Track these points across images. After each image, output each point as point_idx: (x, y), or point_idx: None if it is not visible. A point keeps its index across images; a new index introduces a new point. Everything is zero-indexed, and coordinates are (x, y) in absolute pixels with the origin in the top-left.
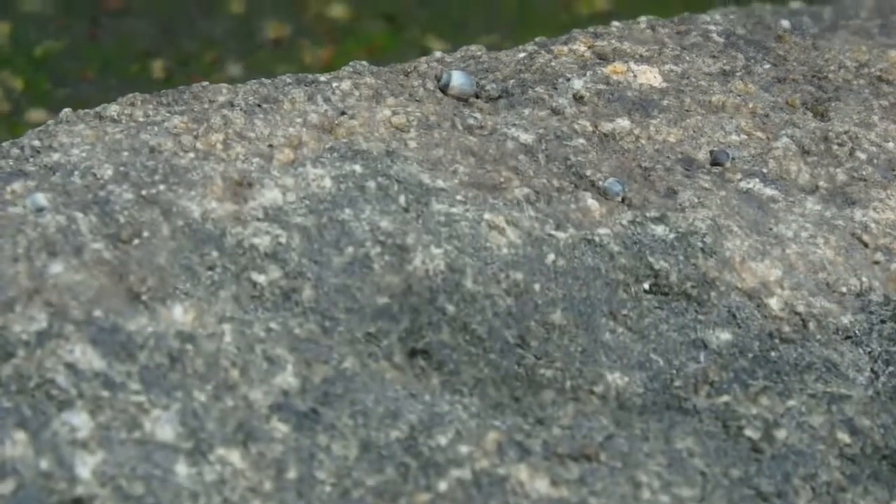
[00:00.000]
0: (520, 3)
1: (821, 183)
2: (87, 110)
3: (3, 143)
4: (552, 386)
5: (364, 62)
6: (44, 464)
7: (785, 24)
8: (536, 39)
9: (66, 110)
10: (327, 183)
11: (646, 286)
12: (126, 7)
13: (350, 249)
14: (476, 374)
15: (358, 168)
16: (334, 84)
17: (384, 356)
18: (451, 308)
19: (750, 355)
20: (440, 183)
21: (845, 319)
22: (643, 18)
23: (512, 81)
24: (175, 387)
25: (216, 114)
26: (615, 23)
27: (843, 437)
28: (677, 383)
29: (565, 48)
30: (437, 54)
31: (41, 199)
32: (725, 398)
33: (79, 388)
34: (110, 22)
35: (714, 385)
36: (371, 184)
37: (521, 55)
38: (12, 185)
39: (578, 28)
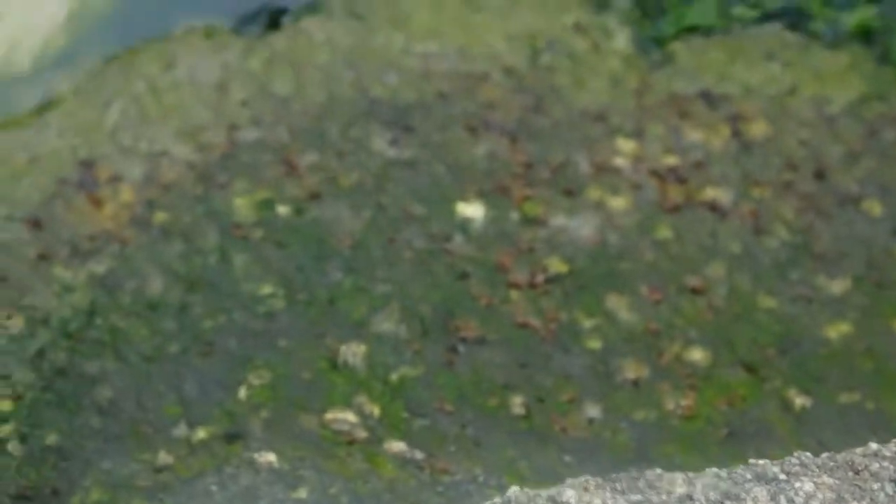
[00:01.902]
0: (876, 361)
1: None
2: (538, 491)
3: None
4: None
5: (808, 453)
6: None
7: None
8: None
9: (514, 489)
10: None
11: None
12: (483, 336)
13: None
14: None
15: None
16: (796, 484)
17: None
18: None
19: None
20: None
21: None
22: None
23: None
24: None
25: None
26: None
27: None
28: None
29: None
30: (873, 447)
31: None
32: None
33: None
34: (467, 350)
35: None
36: None
37: None
38: None
39: None
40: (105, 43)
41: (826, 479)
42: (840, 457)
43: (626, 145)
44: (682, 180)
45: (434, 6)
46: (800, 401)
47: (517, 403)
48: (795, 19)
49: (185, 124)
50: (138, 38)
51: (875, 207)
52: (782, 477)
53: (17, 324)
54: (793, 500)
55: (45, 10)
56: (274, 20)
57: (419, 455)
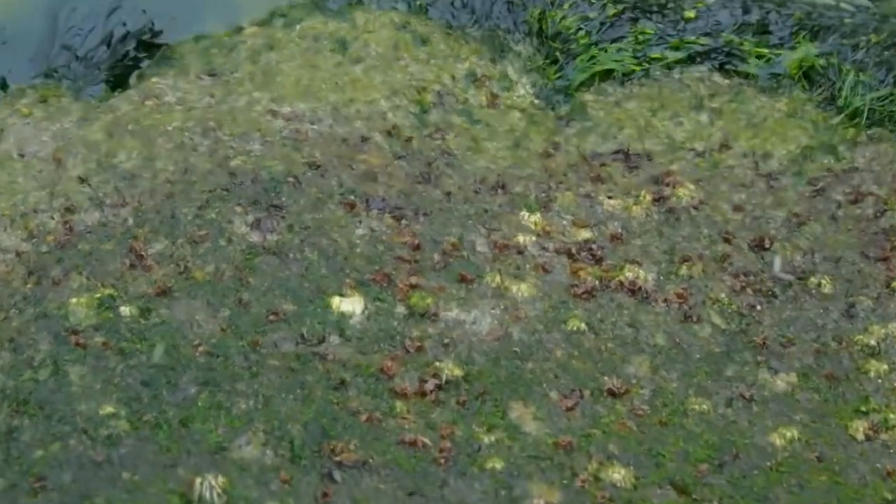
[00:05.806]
0: (830, 473)
1: None
2: None
3: None
4: None
5: None
6: None
7: None
8: None
9: None
10: None
11: None
12: (364, 460)
13: None
14: None
15: None
16: None
17: None
18: None
19: None
20: None
21: None
22: None
23: None
24: None
25: None
26: None
27: None
28: None
29: None
30: None
31: None
32: None
33: None
34: (346, 477)
35: None
36: None
37: None
38: None
39: None
40: None
41: None
42: None
43: (531, 219)
44: (596, 259)
45: (304, 59)
46: None
47: None
48: (725, 60)
49: (14, 207)
50: None
51: (825, 284)
52: None
53: None
54: None
55: None
56: (118, 80)
57: None
